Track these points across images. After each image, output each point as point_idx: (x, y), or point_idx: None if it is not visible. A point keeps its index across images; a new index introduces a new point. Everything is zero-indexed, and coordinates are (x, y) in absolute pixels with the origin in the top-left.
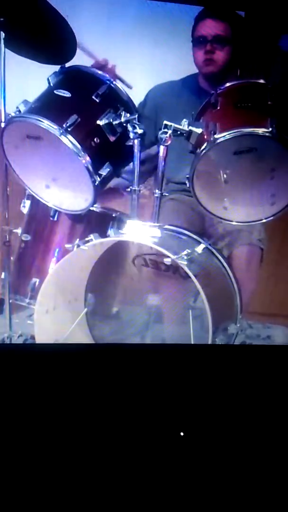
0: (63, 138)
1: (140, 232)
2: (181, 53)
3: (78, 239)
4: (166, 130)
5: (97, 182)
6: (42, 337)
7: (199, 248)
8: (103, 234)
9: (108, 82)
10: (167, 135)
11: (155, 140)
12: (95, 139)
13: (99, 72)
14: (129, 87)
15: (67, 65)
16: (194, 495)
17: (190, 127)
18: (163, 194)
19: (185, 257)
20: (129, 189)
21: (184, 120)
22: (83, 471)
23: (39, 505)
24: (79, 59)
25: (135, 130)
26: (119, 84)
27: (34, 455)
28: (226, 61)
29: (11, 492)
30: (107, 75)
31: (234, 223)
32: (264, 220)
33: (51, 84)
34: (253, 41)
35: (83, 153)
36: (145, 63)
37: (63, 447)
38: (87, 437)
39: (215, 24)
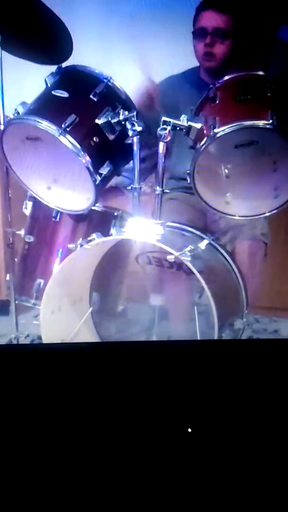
0: (62, 139)
1: (143, 230)
2: (180, 46)
3: (81, 239)
4: (165, 126)
5: (97, 181)
6: (49, 337)
7: (203, 244)
8: (106, 233)
9: (105, 80)
10: (166, 131)
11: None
12: (94, 138)
13: (96, 70)
14: None
15: (64, 65)
16: (201, 492)
17: (189, 122)
18: (164, 191)
19: (189, 254)
20: (130, 187)
21: (183, 115)
22: (93, 468)
23: (45, 504)
24: (76, 59)
25: (134, 128)
26: (116, 82)
27: (44, 453)
28: (226, 54)
29: (16, 491)
30: (103, 73)
31: (236, 217)
32: (267, 214)
33: (49, 85)
34: (251, 32)
35: (82, 152)
36: (144, 58)
37: (72, 445)
38: (96, 435)
39: (217, 16)
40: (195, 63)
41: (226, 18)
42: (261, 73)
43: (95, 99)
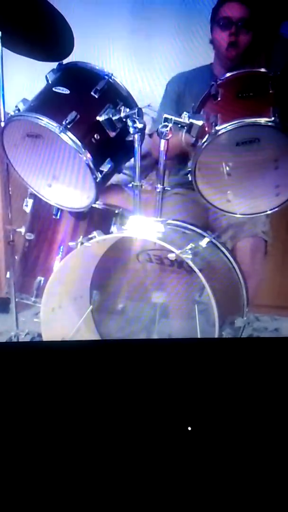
0: (63, 136)
1: (143, 228)
2: (183, 43)
3: (81, 237)
4: (166, 123)
5: (98, 179)
6: (49, 335)
7: (203, 242)
8: (106, 231)
9: (106, 77)
10: (168, 128)
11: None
12: (95, 136)
13: (97, 67)
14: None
15: (65, 61)
16: (201, 490)
17: (191, 120)
18: (165, 188)
19: (190, 252)
20: (131, 185)
21: (185, 112)
22: (93, 465)
23: (45, 502)
24: (77, 55)
25: (135, 125)
26: (117, 79)
27: (44, 451)
28: (246, 46)
29: (15, 488)
30: (105, 70)
31: (238, 215)
32: (268, 212)
33: (50, 82)
34: (258, 28)
35: (83, 150)
36: (147, 56)
37: (72, 443)
38: (95, 433)
39: (241, 7)
40: (203, 61)
41: (247, 10)
42: (263, 70)
43: (96, 96)
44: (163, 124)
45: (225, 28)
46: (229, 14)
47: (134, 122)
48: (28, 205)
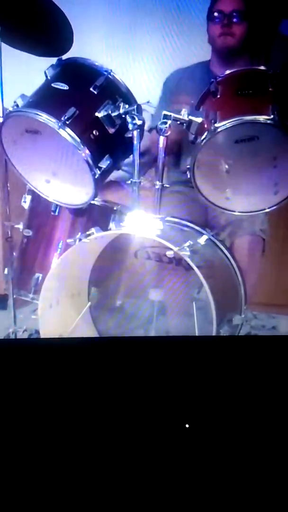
0: (61, 132)
1: (142, 225)
2: (184, 40)
3: (79, 233)
4: (165, 120)
5: (97, 175)
6: (47, 331)
7: (202, 240)
8: (105, 228)
9: (105, 73)
10: (167, 125)
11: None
12: (94, 132)
13: (96, 63)
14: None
15: (64, 57)
16: (199, 487)
17: (190, 117)
18: (164, 185)
19: (188, 249)
20: (129, 182)
21: (184, 109)
22: (91, 462)
23: (43, 499)
24: (76, 51)
25: (134, 121)
26: (117, 75)
27: (42, 449)
28: (242, 36)
29: (13, 484)
30: (104, 66)
31: (236, 213)
32: (267, 210)
33: (48, 77)
34: (253, 26)
35: (82, 146)
36: (147, 52)
37: (69, 441)
38: (92, 430)
39: (233, 0)
40: (202, 57)
41: (241, 2)
42: (262, 68)
43: (95, 92)
44: (162, 120)
45: (217, 20)
46: (221, 8)
47: (133, 118)
48: (26, 201)
